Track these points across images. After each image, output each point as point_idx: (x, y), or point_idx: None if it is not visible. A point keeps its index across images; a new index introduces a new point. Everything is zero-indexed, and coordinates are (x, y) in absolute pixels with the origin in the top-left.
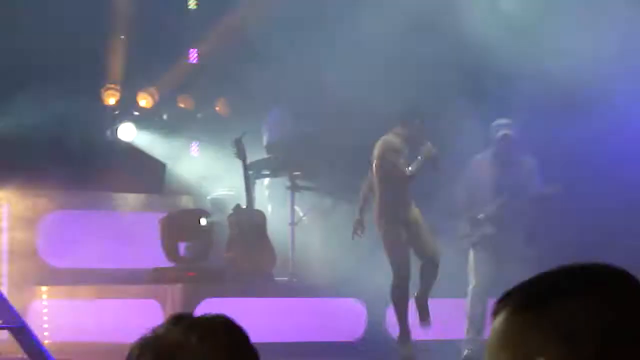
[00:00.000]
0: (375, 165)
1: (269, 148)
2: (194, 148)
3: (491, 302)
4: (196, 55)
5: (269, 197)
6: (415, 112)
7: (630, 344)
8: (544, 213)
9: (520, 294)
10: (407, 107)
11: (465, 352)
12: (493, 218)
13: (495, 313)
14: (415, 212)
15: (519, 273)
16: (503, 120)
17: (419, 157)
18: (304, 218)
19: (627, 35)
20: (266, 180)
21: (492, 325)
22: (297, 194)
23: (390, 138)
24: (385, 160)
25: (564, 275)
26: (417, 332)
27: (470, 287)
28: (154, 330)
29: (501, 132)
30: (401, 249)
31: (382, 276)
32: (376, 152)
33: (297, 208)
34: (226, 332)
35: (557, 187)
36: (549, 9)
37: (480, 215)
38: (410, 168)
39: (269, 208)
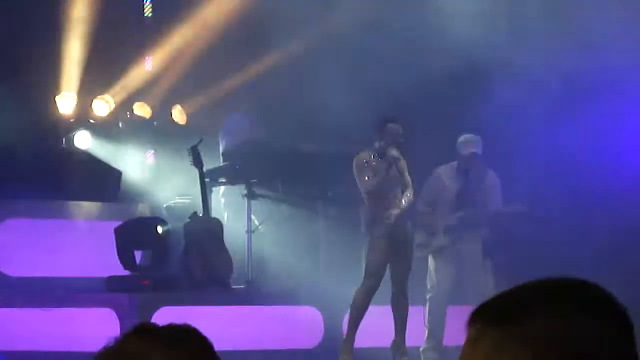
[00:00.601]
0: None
1: (225, 155)
2: (150, 156)
3: (450, 309)
4: (151, 63)
5: (225, 205)
6: (380, 122)
7: (595, 356)
8: (502, 227)
9: (493, 309)
10: (375, 118)
11: None
12: (451, 230)
13: (469, 325)
14: (407, 232)
15: (477, 282)
16: (470, 136)
17: (394, 165)
18: (260, 226)
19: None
20: (222, 189)
21: (466, 337)
22: (253, 202)
23: (359, 155)
24: (356, 177)
25: (534, 290)
26: (376, 339)
27: (429, 295)
28: (117, 340)
29: (469, 150)
30: (377, 260)
31: (339, 283)
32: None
33: (253, 216)
34: (190, 341)
35: (522, 207)
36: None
37: (439, 227)
38: (375, 180)
39: (225, 216)
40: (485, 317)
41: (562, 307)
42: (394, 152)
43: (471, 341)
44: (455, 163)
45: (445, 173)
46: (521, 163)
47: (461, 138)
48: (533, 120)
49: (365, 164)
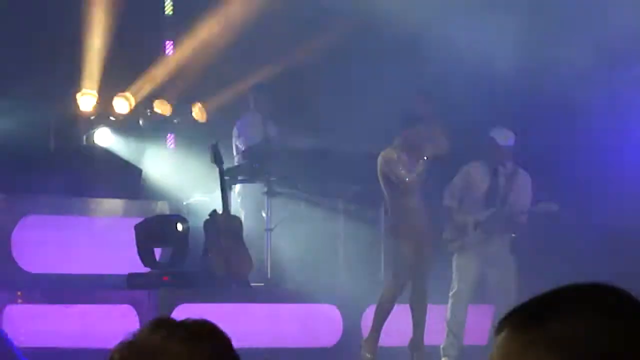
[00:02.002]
0: (380, 180)
1: (244, 154)
2: (170, 154)
3: (470, 308)
4: (171, 60)
5: (242, 204)
6: (409, 120)
7: (621, 357)
8: (531, 227)
9: (520, 314)
10: (402, 117)
11: (444, 359)
12: (481, 226)
13: (497, 332)
14: (427, 232)
15: (501, 282)
16: (505, 130)
17: (421, 161)
18: (279, 223)
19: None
20: (237, 187)
21: (495, 344)
22: (273, 200)
23: (387, 152)
24: (384, 175)
25: (561, 295)
26: (395, 337)
27: (452, 292)
28: (135, 335)
29: (503, 142)
30: (404, 260)
31: (358, 282)
32: (378, 169)
33: (272, 214)
34: (209, 337)
35: (554, 207)
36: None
37: (470, 222)
38: (412, 174)
39: (242, 214)
40: (512, 323)
41: (587, 310)
42: (430, 149)
43: (499, 348)
44: (485, 159)
45: (476, 169)
46: (555, 163)
47: (495, 131)
48: (574, 116)
49: (396, 160)
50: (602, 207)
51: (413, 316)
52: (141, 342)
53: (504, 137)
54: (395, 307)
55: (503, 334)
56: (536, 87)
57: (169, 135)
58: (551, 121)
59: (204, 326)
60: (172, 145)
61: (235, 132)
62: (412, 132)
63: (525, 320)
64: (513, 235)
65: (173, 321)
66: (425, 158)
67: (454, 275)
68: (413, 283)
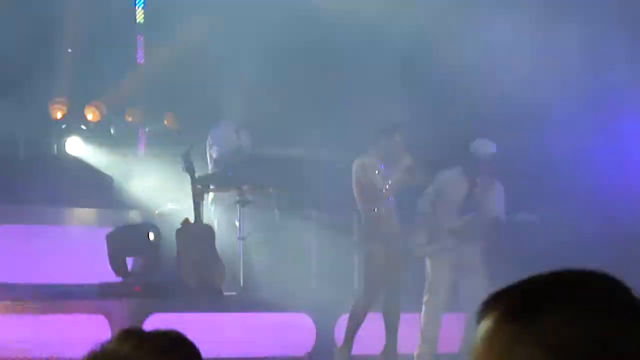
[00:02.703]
0: (353, 186)
1: (216, 163)
2: (142, 162)
3: (445, 317)
4: (143, 69)
5: (215, 212)
6: (388, 127)
7: (618, 355)
8: (505, 235)
9: (507, 302)
10: (381, 124)
11: None
12: (457, 233)
13: (481, 317)
14: (399, 240)
15: (473, 289)
16: (487, 140)
17: (398, 171)
18: (251, 233)
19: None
20: (211, 196)
21: (479, 330)
22: (245, 209)
23: (363, 159)
24: (358, 182)
25: (549, 282)
26: (367, 346)
27: (425, 300)
28: (103, 346)
29: (488, 152)
30: (377, 272)
31: (331, 291)
32: (352, 176)
33: (244, 223)
34: (178, 347)
35: (532, 217)
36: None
37: (443, 229)
38: (389, 183)
39: (216, 223)
40: (498, 312)
41: (578, 304)
42: (408, 159)
43: (484, 338)
44: (461, 167)
45: (453, 177)
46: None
47: (477, 141)
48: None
49: (371, 168)
50: (581, 217)
51: (386, 324)
52: (109, 353)
53: (484, 148)
54: (368, 315)
55: (488, 323)
56: (518, 93)
57: (139, 141)
58: (531, 130)
59: (173, 337)
60: (142, 150)
61: (209, 141)
62: (389, 140)
63: (513, 311)
64: (485, 242)
65: (142, 332)
66: (397, 171)
67: (426, 283)
68: (386, 291)
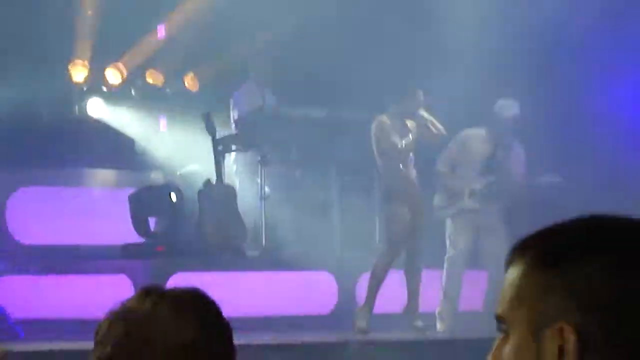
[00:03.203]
0: (374, 146)
1: (238, 123)
2: (163, 123)
3: (466, 275)
4: (164, 30)
5: (237, 172)
6: (406, 87)
7: None
8: (526, 196)
9: (538, 248)
10: (398, 85)
11: (439, 325)
12: (477, 194)
13: (510, 262)
14: (420, 198)
15: (494, 248)
16: (512, 101)
17: (417, 129)
18: (273, 193)
19: None
20: (234, 155)
21: (508, 275)
22: (267, 168)
23: (382, 118)
24: (377, 141)
25: (583, 229)
26: (389, 304)
27: (447, 258)
28: (124, 303)
29: (512, 113)
30: (399, 229)
31: (353, 249)
32: (372, 133)
33: (266, 182)
34: (197, 304)
35: (556, 178)
36: None
37: (465, 189)
38: (405, 141)
39: (237, 182)
40: (529, 258)
41: (616, 252)
42: (425, 114)
43: (512, 284)
44: (484, 127)
45: (475, 136)
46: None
47: (501, 101)
48: (564, 85)
49: (390, 127)
50: (606, 178)
51: (407, 283)
52: (129, 311)
53: (508, 109)
54: (390, 273)
55: (518, 269)
56: (542, 55)
57: (160, 117)
58: (556, 92)
59: (193, 294)
60: (165, 128)
61: (232, 102)
62: (407, 98)
63: (543, 259)
64: (505, 202)
65: (161, 289)
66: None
67: (447, 242)
68: (407, 249)
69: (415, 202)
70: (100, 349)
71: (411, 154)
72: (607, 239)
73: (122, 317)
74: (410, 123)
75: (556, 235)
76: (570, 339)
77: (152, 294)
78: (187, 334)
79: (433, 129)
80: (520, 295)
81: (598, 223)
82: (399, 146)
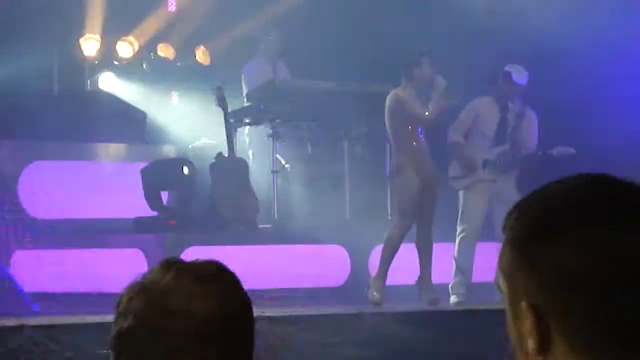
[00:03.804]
0: (386, 119)
1: (249, 96)
2: (175, 97)
3: (479, 246)
4: (175, 3)
5: (250, 145)
6: (417, 57)
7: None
8: (539, 166)
9: (512, 228)
10: (409, 58)
11: (452, 297)
12: (491, 164)
13: (504, 227)
14: (432, 170)
15: None
16: (519, 66)
17: (434, 95)
18: (286, 165)
19: None
20: (247, 128)
21: (502, 242)
22: (278, 142)
23: (397, 92)
24: (395, 114)
25: (549, 209)
26: (401, 276)
27: (459, 230)
28: (144, 276)
29: (521, 77)
30: (411, 200)
31: (365, 222)
32: (386, 106)
33: (278, 156)
34: (218, 276)
35: (571, 150)
36: None
37: (478, 160)
38: (427, 109)
39: (250, 155)
40: (506, 235)
41: (571, 238)
42: (441, 81)
43: (500, 262)
44: (494, 95)
45: (485, 105)
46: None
47: (509, 67)
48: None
49: (407, 101)
50: (619, 149)
51: (419, 255)
52: (150, 283)
53: (519, 74)
54: (402, 246)
55: (506, 239)
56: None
57: (173, 92)
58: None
59: (213, 266)
60: (177, 101)
61: (243, 75)
62: (418, 69)
63: (512, 240)
64: (518, 172)
65: (182, 262)
66: (434, 95)
67: (460, 214)
68: (419, 221)
69: (427, 174)
70: (121, 321)
71: (420, 127)
72: (587, 212)
73: (143, 289)
74: (425, 91)
75: (525, 216)
76: (529, 318)
77: (172, 267)
78: (208, 306)
79: (452, 100)
80: (502, 270)
81: (566, 201)
82: (426, 113)
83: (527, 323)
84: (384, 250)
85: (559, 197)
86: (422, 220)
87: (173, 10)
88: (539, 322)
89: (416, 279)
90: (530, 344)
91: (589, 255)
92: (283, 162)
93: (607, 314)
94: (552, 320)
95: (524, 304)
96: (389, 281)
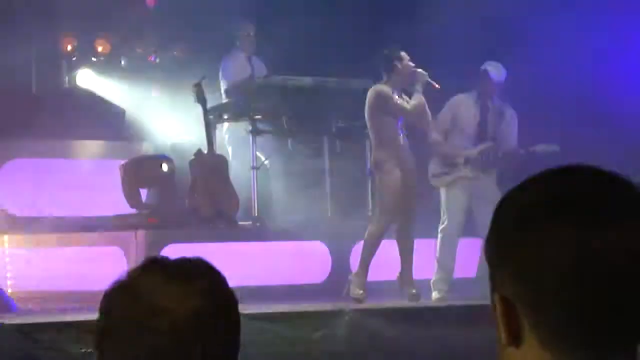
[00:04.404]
0: (368, 114)
1: (228, 92)
2: (153, 93)
3: (461, 242)
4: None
5: (229, 141)
6: (393, 53)
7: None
8: (520, 163)
9: (495, 220)
10: (385, 54)
11: (434, 293)
12: (472, 162)
13: (495, 210)
14: (413, 166)
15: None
16: (498, 64)
17: (417, 87)
18: (265, 162)
19: None
20: (225, 125)
21: (488, 233)
22: (258, 138)
23: (378, 88)
24: (378, 111)
25: (524, 203)
26: (383, 272)
27: (441, 226)
28: (128, 274)
29: (500, 74)
30: (392, 197)
31: (345, 218)
32: (367, 101)
33: (258, 153)
34: (203, 274)
35: (555, 147)
36: None
37: (459, 157)
38: (410, 102)
39: (229, 152)
40: (490, 227)
41: (539, 231)
42: (422, 74)
43: (484, 243)
44: (474, 92)
45: (465, 102)
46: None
47: (487, 64)
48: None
49: (390, 96)
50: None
51: (400, 250)
52: (135, 282)
53: (497, 72)
54: (383, 241)
55: (487, 235)
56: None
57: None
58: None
59: (199, 264)
60: (153, 80)
61: (220, 71)
62: (397, 63)
63: (491, 232)
64: (499, 169)
65: (167, 260)
66: (416, 87)
67: (442, 210)
68: (400, 218)
69: (408, 169)
70: (106, 319)
71: (401, 123)
72: (543, 216)
73: (128, 287)
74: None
75: (505, 208)
76: (500, 309)
77: (157, 265)
78: (193, 305)
79: (435, 85)
80: (486, 260)
81: (543, 195)
82: (408, 107)
83: (499, 314)
84: (364, 247)
85: (538, 190)
86: (403, 217)
87: (151, 5)
88: (510, 313)
89: (397, 274)
90: (503, 334)
91: (559, 250)
92: (263, 158)
93: (574, 310)
94: (522, 312)
95: (496, 295)
96: (371, 277)
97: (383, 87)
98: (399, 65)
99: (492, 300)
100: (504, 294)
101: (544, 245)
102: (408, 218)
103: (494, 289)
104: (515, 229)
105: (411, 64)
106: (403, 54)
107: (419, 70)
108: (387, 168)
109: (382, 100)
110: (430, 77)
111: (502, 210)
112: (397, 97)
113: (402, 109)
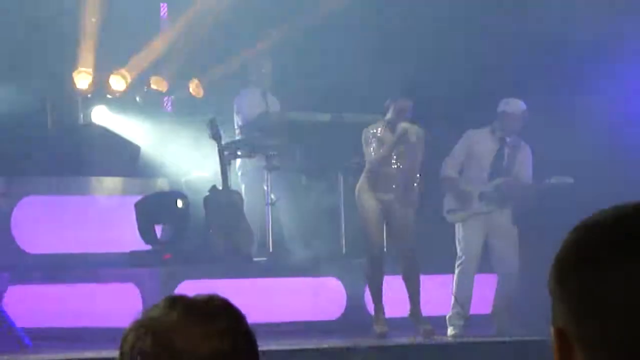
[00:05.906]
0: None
1: (242, 128)
2: (168, 130)
3: (476, 278)
4: (167, 36)
5: (242, 178)
6: (393, 96)
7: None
8: (535, 198)
9: (565, 247)
10: (390, 92)
11: (450, 329)
12: (487, 197)
13: (563, 243)
14: (402, 204)
15: (504, 251)
16: (515, 99)
17: (398, 134)
18: (272, 197)
19: None
20: (238, 162)
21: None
22: (272, 174)
23: (370, 126)
24: (363, 149)
25: (581, 242)
26: (399, 309)
27: (458, 262)
28: (149, 314)
29: (518, 110)
30: (370, 231)
31: (360, 253)
32: None
33: (272, 188)
34: (224, 314)
35: (568, 180)
36: None
37: (474, 193)
38: (383, 151)
39: (243, 189)
40: (558, 252)
41: (595, 270)
42: (405, 125)
43: (549, 273)
44: (488, 128)
45: (481, 137)
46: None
47: (506, 99)
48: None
49: (373, 137)
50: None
51: (406, 287)
52: (156, 321)
53: (515, 106)
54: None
55: (551, 266)
56: (553, 56)
57: (165, 101)
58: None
59: (219, 302)
60: (168, 117)
61: (235, 107)
62: (393, 109)
63: (553, 266)
64: (514, 204)
65: (188, 298)
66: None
67: (458, 247)
68: (402, 255)
69: (389, 204)
70: (124, 359)
71: (397, 164)
72: (605, 252)
73: (148, 327)
74: (407, 127)
75: (569, 240)
76: (556, 342)
77: (177, 304)
78: (215, 345)
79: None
80: (549, 290)
81: (607, 230)
82: (372, 156)
83: (555, 346)
84: (368, 284)
85: (602, 225)
86: (404, 254)
87: (165, 43)
88: (564, 347)
89: (408, 311)
90: None
91: (620, 287)
92: (276, 195)
93: (631, 349)
94: (576, 346)
95: (553, 328)
96: (391, 314)
97: (370, 127)
98: (391, 110)
99: (550, 332)
100: (562, 326)
101: (608, 281)
102: (408, 253)
103: (553, 320)
104: (576, 262)
105: (400, 113)
106: (399, 99)
107: (402, 124)
108: (362, 196)
109: (362, 139)
110: (412, 129)
111: (566, 241)
112: (378, 140)
113: (368, 156)
